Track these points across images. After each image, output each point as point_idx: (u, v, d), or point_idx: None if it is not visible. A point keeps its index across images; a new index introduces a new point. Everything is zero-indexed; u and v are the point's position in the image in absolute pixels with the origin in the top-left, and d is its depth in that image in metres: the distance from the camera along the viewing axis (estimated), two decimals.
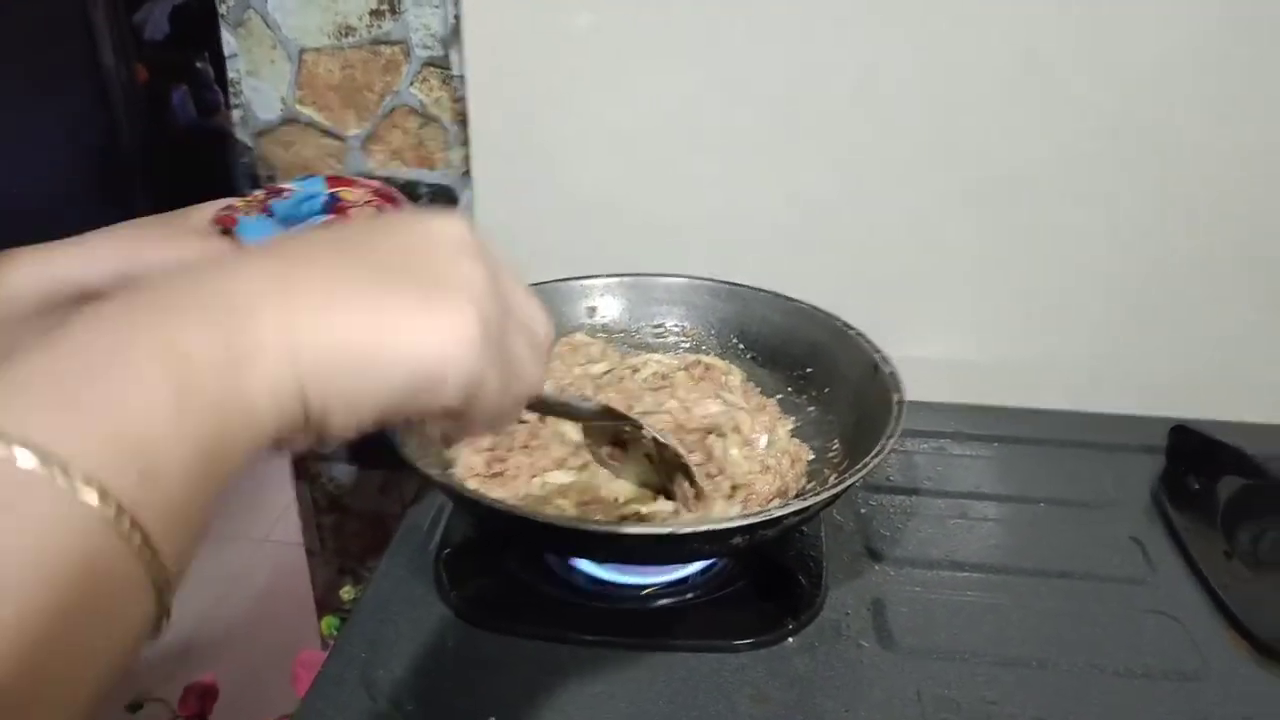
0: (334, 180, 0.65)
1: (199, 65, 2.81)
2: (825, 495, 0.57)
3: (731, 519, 0.55)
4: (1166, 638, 0.64)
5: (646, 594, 0.66)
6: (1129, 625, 0.64)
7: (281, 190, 0.63)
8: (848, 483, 0.58)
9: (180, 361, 0.27)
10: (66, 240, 0.57)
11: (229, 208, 0.60)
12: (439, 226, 0.36)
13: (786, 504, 0.56)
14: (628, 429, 0.60)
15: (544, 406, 0.56)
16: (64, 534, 0.24)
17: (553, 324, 0.40)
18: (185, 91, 2.73)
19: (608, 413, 0.58)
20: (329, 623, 1.18)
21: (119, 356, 0.27)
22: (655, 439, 0.60)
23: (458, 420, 0.36)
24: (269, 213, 0.62)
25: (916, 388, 0.71)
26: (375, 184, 0.66)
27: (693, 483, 0.62)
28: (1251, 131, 0.79)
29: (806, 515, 0.58)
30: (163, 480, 0.26)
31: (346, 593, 1.16)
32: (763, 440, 0.70)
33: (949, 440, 0.84)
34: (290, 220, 0.64)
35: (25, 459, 0.24)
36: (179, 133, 2.78)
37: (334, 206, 0.64)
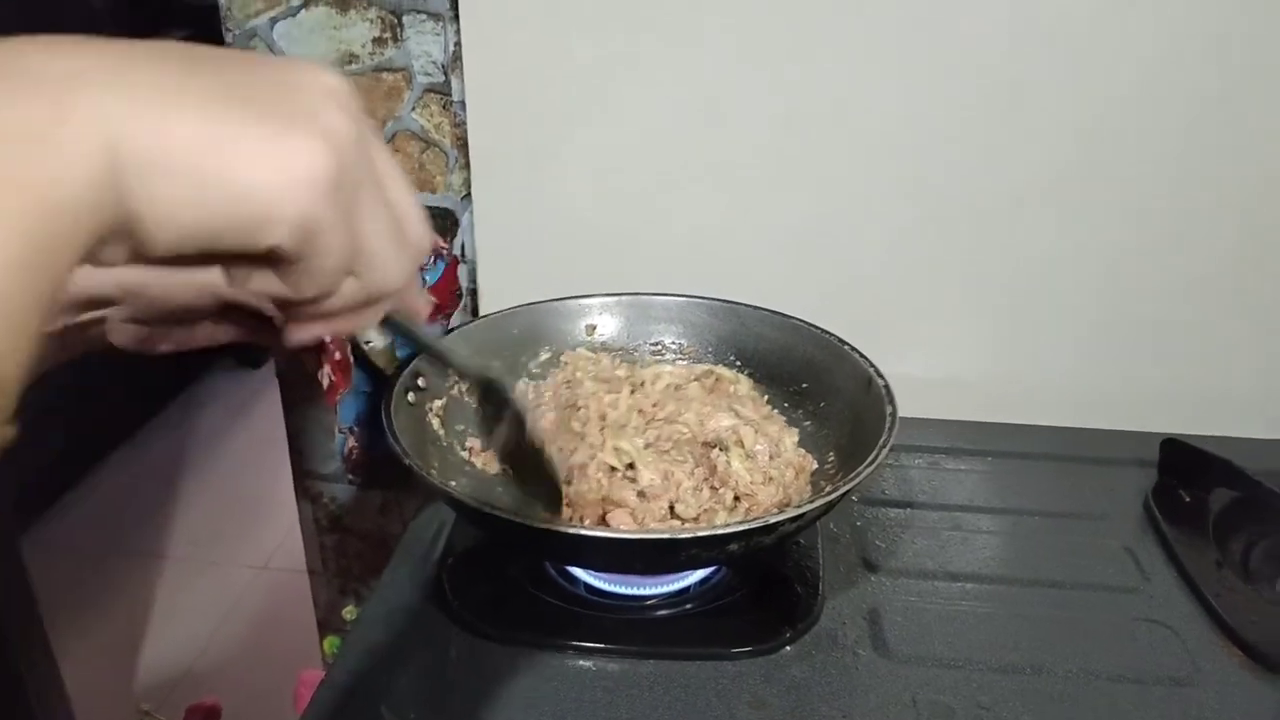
0: None
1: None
2: (820, 503, 0.58)
3: (728, 525, 0.56)
4: (1159, 645, 0.64)
5: (647, 605, 0.67)
6: (1122, 633, 0.65)
7: None
8: (842, 490, 0.59)
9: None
10: None
11: None
12: (320, 73, 0.32)
13: (782, 511, 0.57)
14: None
15: (404, 331, 0.48)
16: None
17: (426, 224, 0.36)
18: None
19: (486, 381, 0.55)
20: (331, 643, 1.18)
21: None
22: (521, 416, 0.55)
23: (284, 276, 0.32)
24: None
25: (910, 405, 0.72)
26: None
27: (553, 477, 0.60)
28: (1232, 150, 0.80)
29: (802, 523, 0.59)
30: None
31: (349, 613, 1.17)
32: (765, 453, 0.72)
33: (943, 455, 0.85)
34: None
35: None
36: None
37: None
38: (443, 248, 0.69)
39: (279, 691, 1.17)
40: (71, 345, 0.51)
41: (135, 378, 2.22)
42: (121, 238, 0.28)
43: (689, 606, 0.67)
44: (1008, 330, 0.90)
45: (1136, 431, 0.87)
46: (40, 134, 0.25)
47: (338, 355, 0.62)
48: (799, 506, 0.58)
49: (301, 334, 0.36)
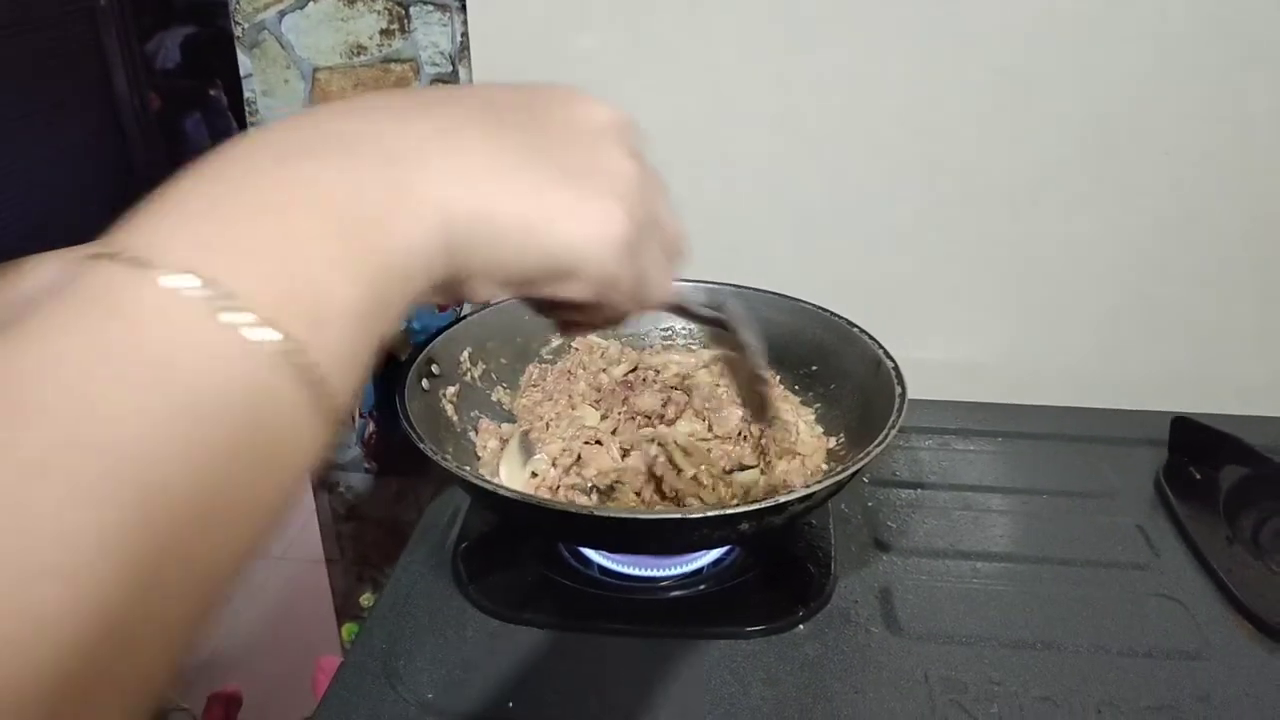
0: None
1: (212, 93, 2.86)
2: (829, 483, 0.58)
3: (739, 506, 0.56)
4: (1170, 619, 0.65)
5: (661, 585, 0.68)
6: (1133, 608, 0.66)
7: None
8: (851, 470, 0.59)
9: (341, 206, 0.27)
10: (89, 244, 0.59)
11: None
12: (596, 110, 0.35)
13: (792, 491, 0.58)
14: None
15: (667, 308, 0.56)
16: (227, 370, 0.23)
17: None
18: (199, 119, 2.78)
19: (718, 323, 0.59)
20: (349, 629, 1.20)
21: (279, 193, 0.26)
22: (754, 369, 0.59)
23: (583, 312, 0.36)
24: None
25: (920, 386, 0.73)
26: None
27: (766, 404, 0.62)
28: (1246, 134, 0.80)
29: (812, 503, 0.59)
30: (329, 324, 0.25)
31: (366, 599, 1.18)
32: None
33: (953, 436, 0.86)
34: None
35: (190, 287, 0.22)
36: (193, 159, 2.83)
37: None
38: None
39: (298, 678, 1.18)
40: None
41: None
42: (447, 289, 0.31)
43: (702, 587, 0.68)
44: (1020, 313, 0.90)
45: (1147, 411, 0.87)
46: (387, 210, 0.27)
47: None
48: (808, 486, 0.58)
49: (570, 334, 0.40)
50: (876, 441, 0.62)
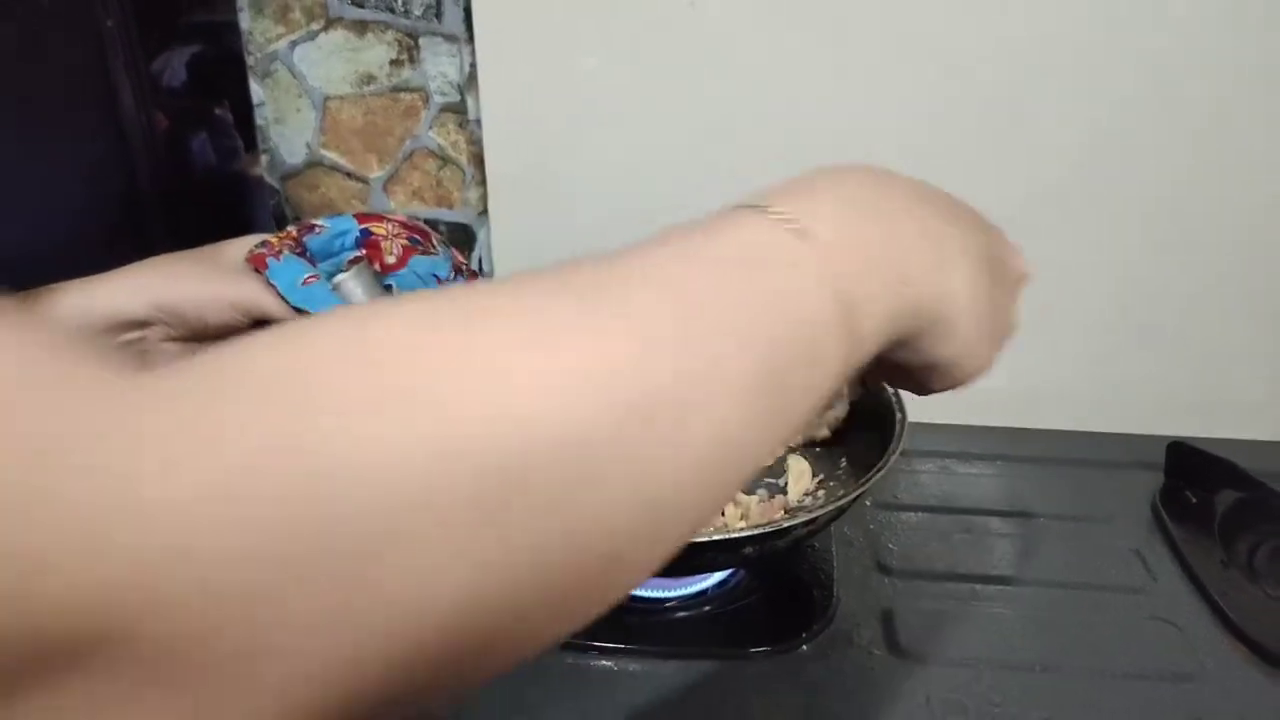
0: (363, 217, 0.69)
1: (218, 112, 2.89)
2: (831, 508, 0.60)
3: (742, 529, 0.58)
4: (1166, 642, 0.66)
5: (667, 606, 0.69)
6: (1130, 631, 0.67)
7: (314, 227, 0.67)
8: (853, 495, 0.60)
9: (912, 251, 0.36)
10: (107, 274, 0.61)
11: (264, 244, 0.63)
12: (1018, 261, 0.44)
13: (795, 516, 0.59)
14: None
15: None
16: (801, 301, 0.30)
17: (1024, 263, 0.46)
18: (205, 138, 2.80)
19: None
20: None
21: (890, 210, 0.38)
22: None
23: (941, 371, 0.41)
24: (303, 249, 0.65)
25: (921, 410, 0.74)
26: (402, 218, 0.70)
27: None
28: (1240, 156, 0.82)
29: (815, 527, 0.61)
30: (867, 286, 0.32)
31: None
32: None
33: (954, 459, 0.87)
34: (324, 255, 0.68)
35: (789, 231, 0.32)
36: (199, 178, 2.85)
37: (365, 241, 0.68)
38: (463, 264, 0.72)
39: None
40: None
41: None
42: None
43: (707, 608, 0.69)
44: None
45: (1144, 435, 0.88)
46: (922, 271, 0.36)
47: None
48: (811, 511, 0.60)
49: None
50: (877, 467, 0.64)
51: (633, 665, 0.64)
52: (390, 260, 0.68)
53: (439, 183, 0.94)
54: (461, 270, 0.71)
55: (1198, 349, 0.90)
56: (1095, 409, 0.92)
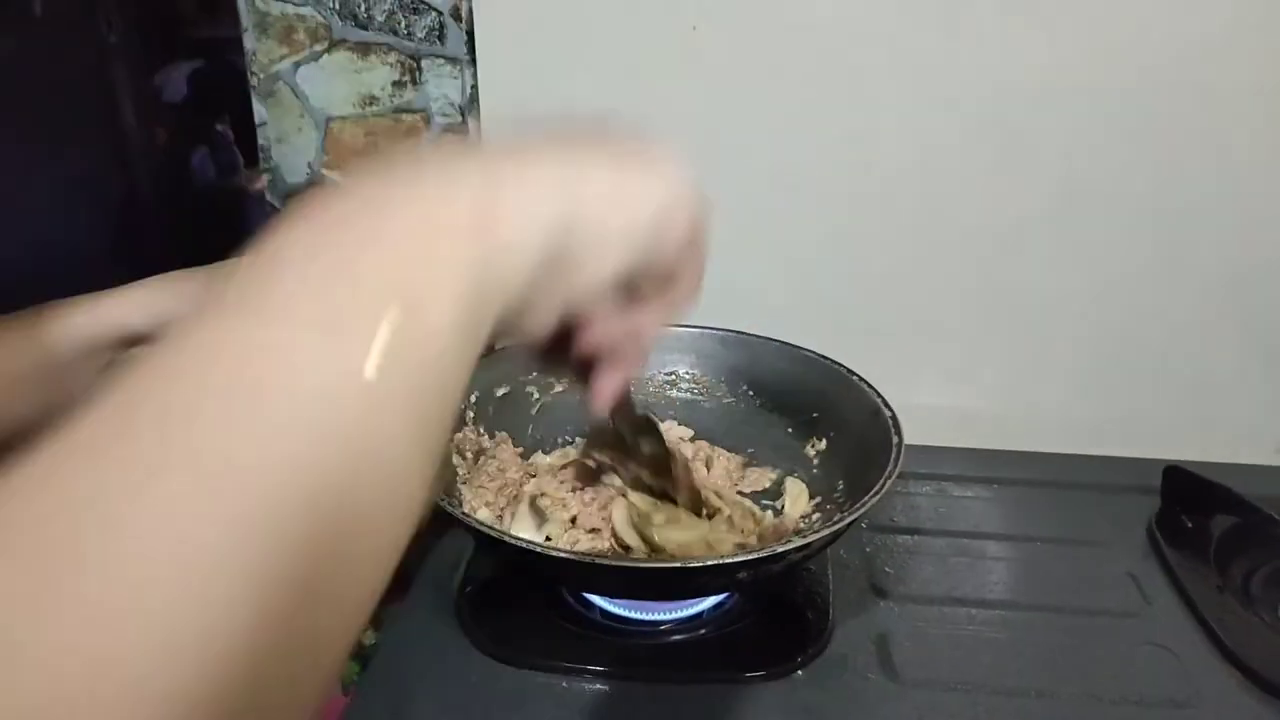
0: None
1: (219, 128, 2.90)
2: (826, 533, 0.60)
3: (737, 555, 0.58)
4: (1161, 668, 0.66)
5: (661, 629, 0.69)
6: (1125, 656, 0.67)
7: None
8: (848, 520, 0.61)
9: (440, 231, 0.29)
10: (115, 289, 0.61)
11: None
12: (665, 163, 0.40)
13: (790, 540, 0.59)
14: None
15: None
16: (343, 407, 0.24)
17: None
18: (205, 153, 2.81)
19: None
20: (350, 668, 1.20)
21: (393, 222, 0.28)
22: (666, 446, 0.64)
23: (685, 263, 0.40)
24: None
25: (918, 433, 0.74)
26: None
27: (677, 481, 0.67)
28: (1231, 181, 0.83)
29: (809, 551, 0.61)
30: (432, 344, 0.27)
31: (367, 638, 1.18)
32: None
33: (950, 483, 0.87)
34: None
35: (308, 339, 0.24)
36: (198, 193, 2.86)
37: None
38: None
39: None
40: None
41: None
42: (559, 283, 0.33)
43: (703, 631, 0.69)
44: (1013, 360, 0.92)
45: (1140, 458, 0.88)
46: (488, 219, 0.30)
47: None
48: (805, 536, 0.60)
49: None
50: (873, 491, 0.64)
51: (627, 689, 0.64)
52: None
53: None
54: None
55: (1193, 374, 0.90)
56: (1091, 433, 0.92)
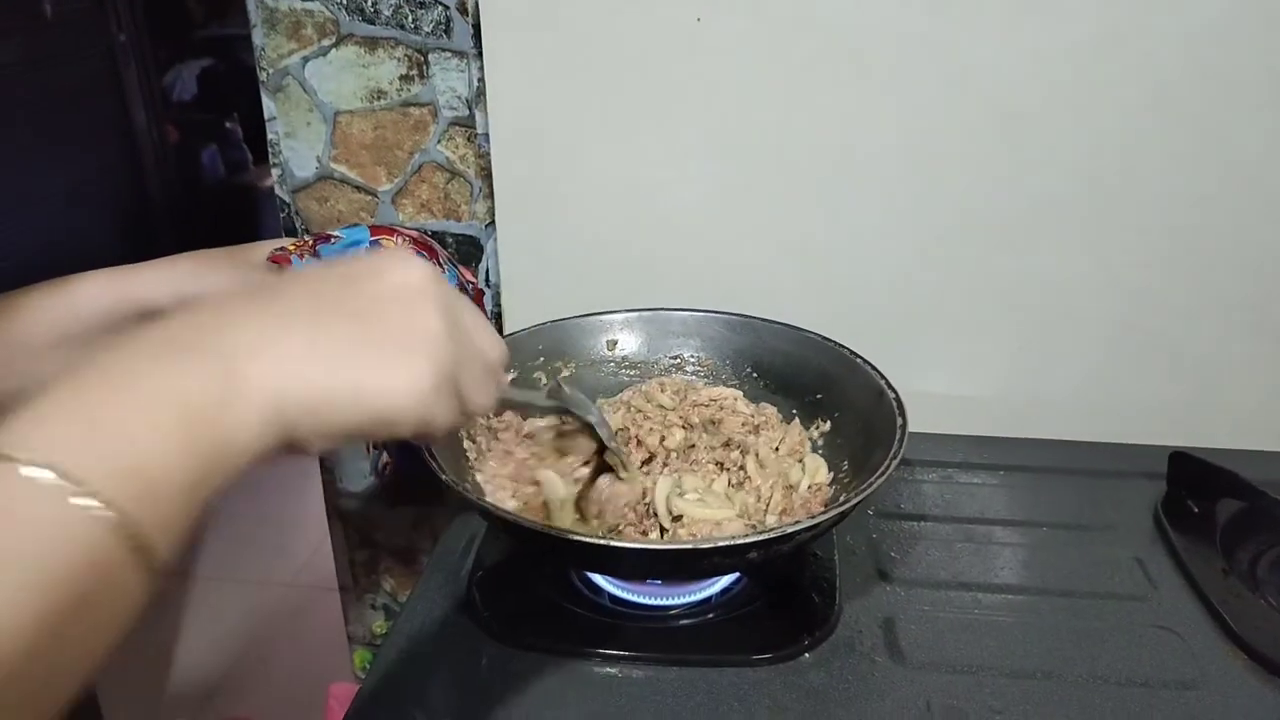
0: (376, 229, 0.70)
1: (228, 125, 2.92)
2: (833, 513, 0.60)
3: (746, 535, 0.59)
4: (1167, 650, 0.66)
5: (670, 614, 0.69)
6: (1131, 639, 0.67)
7: (330, 237, 0.69)
8: (854, 501, 0.61)
9: (182, 401, 0.33)
10: (137, 265, 0.63)
11: (283, 249, 0.65)
12: (403, 277, 0.41)
13: (798, 521, 0.60)
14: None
15: (503, 406, 0.63)
16: (72, 543, 0.29)
17: (503, 346, 0.48)
18: (215, 151, 2.83)
19: (561, 410, 0.65)
20: (362, 656, 1.21)
21: (130, 393, 0.33)
22: (593, 427, 0.65)
23: (416, 437, 0.42)
24: (317, 256, 0.67)
25: (924, 420, 0.75)
26: (414, 233, 0.72)
27: (624, 465, 0.68)
28: (1242, 169, 0.83)
29: (818, 531, 0.61)
30: (162, 500, 0.32)
31: (379, 627, 1.20)
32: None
33: (956, 469, 0.88)
34: None
35: (45, 477, 0.29)
36: (209, 190, 2.88)
37: (375, 252, 0.70)
38: (470, 281, 0.73)
39: (310, 705, 1.20)
40: None
41: None
42: (283, 452, 0.37)
43: (711, 615, 0.69)
44: (1020, 347, 0.92)
45: (1146, 445, 0.89)
46: (223, 401, 0.34)
47: None
48: (814, 516, 0.60)
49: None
50: (879, 472, 0.64)
51: (636, 672, 0.64)
52: None
53: (446, 195, 0.95)
54: (467, 288, 0.72)
55: (1202, 359, 0.90)
56: (1097, 419, 0.92)
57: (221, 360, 0.35)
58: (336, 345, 0.38)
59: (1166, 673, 0.64)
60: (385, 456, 1.00)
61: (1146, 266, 0.87)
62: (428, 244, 0.72)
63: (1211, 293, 0.87)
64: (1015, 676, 0.64)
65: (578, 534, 0.61)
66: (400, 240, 0.70)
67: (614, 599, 0.70)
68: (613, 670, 0.65)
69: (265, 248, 0.67)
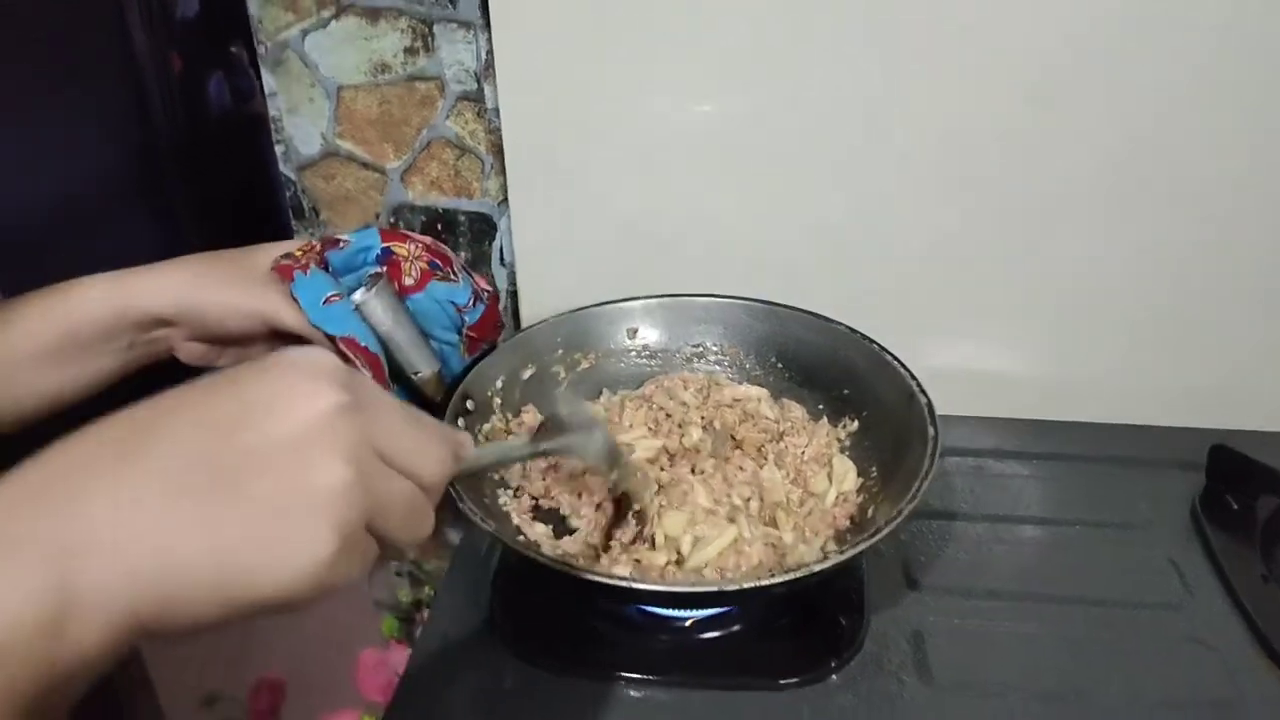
0: (388, 234, 0.67)
1: (233, 49, 2.84)
2: (862, 547, 0.59)
3: (773, 576, 0.57)
4: (1203, 667, 0.65)
5: (693, 624, 0.68)
6: (1165, 654, 0.66)
7: (338, 241, 0.66)
8: (883, 533, 0.59)
9: (8, 622, 0.28)
10: (137, 269, 0.61)
11: (289, 257, 0.63)
12: (299, 415, 0.33)
13: (825, 558, 0.58)
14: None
15: (473, 475, 0.59)
16: None
17: (443, 454, 0.39)
18: (221, 79, 2.75)
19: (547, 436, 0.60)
20: (389, 624, 1.23)
21: None
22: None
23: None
24: (325, 263, 0.64)
25: (957, 401, 0.72)
26: (427, 240, 0.68)
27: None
28: (1265, 148, 0.77)
29: (842, 565, 0.60)
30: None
31: (404, 594, 1.21)
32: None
33: (988, 458, 0.85)
34: (346, 269, 0.66)
35: None
36: (215, 121, 2.82)
37: (387, 259, 0.67)
38: (485, 289, 0.70)
39: (339, 669, 1.22)
40: (140, 358, 0.62)
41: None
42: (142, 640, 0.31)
43: (736, 627, 0.68)
44: (1056, 326, 0.89)
45: (1187, 428, 0.86)
46: (55, 621, 0.28)
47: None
48: (842, 551, 0.59)
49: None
50: (909, 497, 0.63)
51: (661, 696, 0.64)
52: (409, 282, 0.67)
53: (457, 172, 0.91)
54: (482, 296, 0.69)
55: (1244, 339, 0.86)
56: (1138, 400, 0.89)
57: (58, 560, 0.29)
58: (204, 520, 0.31)
59: (1201, 691, 0.63)
60: None
61: (1190, 244, 0.83)
62: (442, 253, 0.69)
63: (1258, 270, 0.83)
64: (1045, 699, 0.63)
65: (601, 575, 0.59)
66: (413, 247, 0.67)
67: (637, 611, 0.69)
68: (635, 693, 0.64)
69: (270, 252, 0.64)
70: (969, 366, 0.90)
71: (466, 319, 0.68)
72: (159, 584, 0.30)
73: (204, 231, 1.13)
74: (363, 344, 0.61)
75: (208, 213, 1.18)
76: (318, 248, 0.65)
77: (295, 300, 0.61)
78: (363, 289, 0.64)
